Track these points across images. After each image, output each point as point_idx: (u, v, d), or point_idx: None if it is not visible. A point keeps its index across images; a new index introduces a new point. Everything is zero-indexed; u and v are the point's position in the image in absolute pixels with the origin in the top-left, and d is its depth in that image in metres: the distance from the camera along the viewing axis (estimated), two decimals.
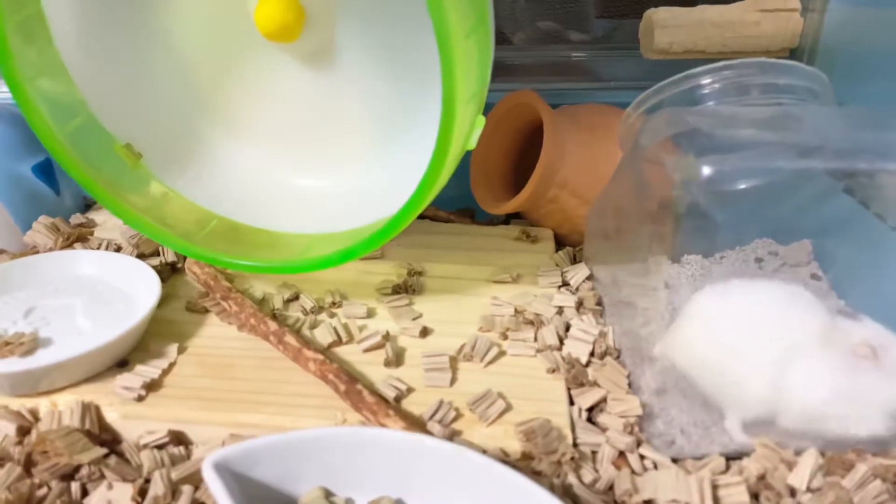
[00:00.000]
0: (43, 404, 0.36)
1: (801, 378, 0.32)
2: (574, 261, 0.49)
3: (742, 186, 0.43)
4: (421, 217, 0.56)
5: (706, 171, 0.33)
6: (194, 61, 0.47)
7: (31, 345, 0.37)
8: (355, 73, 0.45)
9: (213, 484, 0.29)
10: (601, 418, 0.36)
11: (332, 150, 0.48)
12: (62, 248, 0.49)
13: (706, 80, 0.42)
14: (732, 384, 0.34)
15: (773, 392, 0.33)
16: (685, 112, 0.37)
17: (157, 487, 0.32)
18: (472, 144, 0.38)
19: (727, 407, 0.34)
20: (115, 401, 0.36)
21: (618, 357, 0.40)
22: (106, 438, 0.35)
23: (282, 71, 0.46)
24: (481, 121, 0.38)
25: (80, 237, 0.50)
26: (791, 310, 0.34)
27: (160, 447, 0.34)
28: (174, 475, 0.32)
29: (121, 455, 0.34)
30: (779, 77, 0.42)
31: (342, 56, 0.44)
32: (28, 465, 0.33)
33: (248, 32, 0.43)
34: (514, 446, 0.34)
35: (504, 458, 0.33)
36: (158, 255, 0.48)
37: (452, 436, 0.34)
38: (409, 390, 0.37)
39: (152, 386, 0.37)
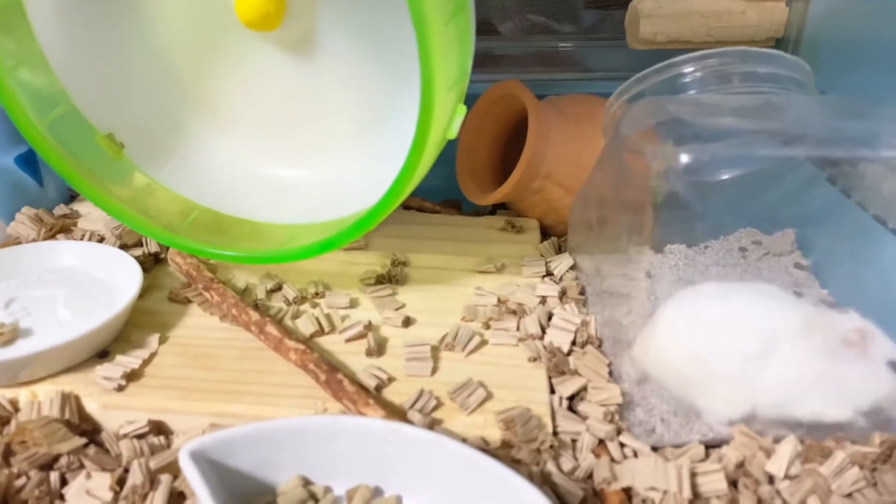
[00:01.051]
0: (23, 394, 0.36)
1: (777, 369, 0.32)
2: (558, 251, 0.49)
3: (724, 177, 0.43)
4: (407, 208, 0.56)
5: (684, 159, 0.33)
6: (176, 51, 0.46)
7: (12, 335, 0.37)
8: (337, 61, 0.44)
9: (190, 472, 0.29)
10: (581, 407, 0.36)
11: (314, 139, 0.48)
12: (45, 238, 0.48)
13: (688, 69, 0.42)
14: (706, 394, 0.34)
15: (745, 396, 0.33)
16: (666, 101, 0.37)
17: (136, 476, 0.31)
18: (454, 133, 0.38)
19: (704, 412, 0.34)
20: (96, 391, 0.36)
21: (600, 346, 0.40)
22: (86, 428, 0.35)
23: (263, 60, 0.45)
24: (462, 109, 0.38)
25: (63, 228, 0.50)
26: (755, 310, 0.34)
27: (140, 437, 0.34)
28: (153, 464, 0.32)
29: (100, 445, 0.34)
30: (760, 66, 0.42)
31: (324, 44, 0.44)
32: (7, 454, 0.33)
33: (228, 21, 0.43)
34: (494, 435, 0.34)
35: (484, 447, 0.33)
36: (141, 245, 0.48)
37: (432, 424, 0.34)
38: (391, 379, 0.37)
39: (133, 376, 0.37)
